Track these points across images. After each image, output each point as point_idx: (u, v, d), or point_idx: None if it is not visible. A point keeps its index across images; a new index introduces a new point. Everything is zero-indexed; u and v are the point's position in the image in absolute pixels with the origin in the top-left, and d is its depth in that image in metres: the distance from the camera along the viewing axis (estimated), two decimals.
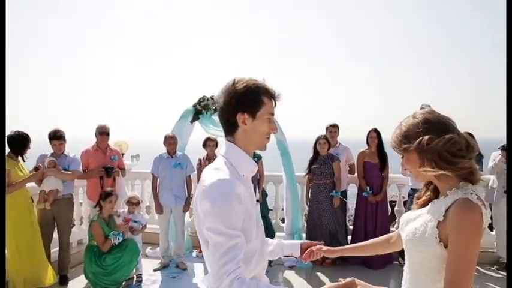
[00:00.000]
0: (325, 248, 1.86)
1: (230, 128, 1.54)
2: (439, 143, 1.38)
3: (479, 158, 5.14)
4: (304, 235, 5.62)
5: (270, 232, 5.66)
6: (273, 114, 1.54)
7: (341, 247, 1.97)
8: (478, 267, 5.03)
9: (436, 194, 1.56)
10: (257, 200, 1.56)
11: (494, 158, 5.14)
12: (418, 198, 1.65)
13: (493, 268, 5.07)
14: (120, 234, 4.47)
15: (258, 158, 5.66)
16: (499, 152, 5.03)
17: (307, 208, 5.77)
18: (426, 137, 1.39)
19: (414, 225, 1.49)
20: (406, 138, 1.45)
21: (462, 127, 1.49)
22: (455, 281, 1.30)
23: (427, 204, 1.56)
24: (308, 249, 1.86)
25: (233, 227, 1.37)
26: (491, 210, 5.30)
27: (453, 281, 1.30)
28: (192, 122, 5.77)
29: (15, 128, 4.36)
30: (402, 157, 1.52)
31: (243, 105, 1.48)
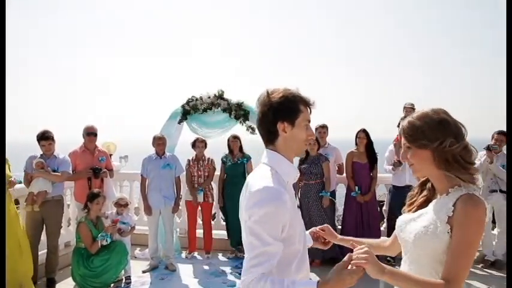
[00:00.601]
0: (328, 230, 1.91)
1: (270, 137, 1.59)
2: (457, 148, 1.44)
3: None
4: None
5: None
6: (309, 121, 1.61)
7: (342, 236, 1.98)
8: None
9: (432, 193, 1.60)
10: (298, 206, 1.65)
11: (479, 158, 5.22)
12: (412, 198, 1.68)
13: (479, 266, 5.13)
14: (108, 235, 4.43)
15: (247, 159, 5.66)
16: (485, 152, 5.11)
17: None
18: (449, 141, 1.44)
19: (420, 224, 1.51)
20: (423, 134, 1.48)
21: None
22: (457, 269, 1.37)
23: (425, 204, 1.59)
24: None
25: (271, 234, 1.42)
26: None
27: (454, 269, 1.37)
28: (179, 122, 5.75)
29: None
30: (408, 147, 1.54)
31: (282, 114, 1.54)
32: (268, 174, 1.52)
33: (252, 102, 5.54)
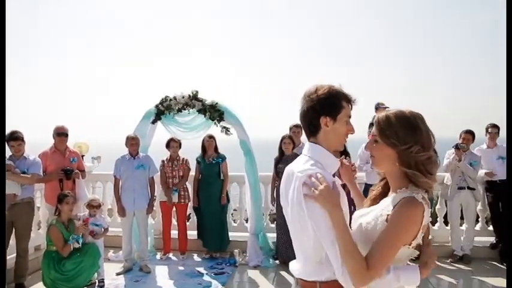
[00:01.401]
0: (346, 168, 2.05)
1: (313, 130, 1.68)
2: (422, 157, 1.50)
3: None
4: (268, 234, 5.67)
5: (223, 243, 5.64)
6: (350, 117, 1.68)
7: (355, 184, 2.10)
8: None
9: (386, 189, 1.68)
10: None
11: (448, 156, 5.39)
12: (370, 193, 1.77)
13: (447, 261, 5.31)
14: (80, 237, 4.34)
15: (222, 159, 5.65)
16: (453, 150, 5.28)
17: (271, 207, 5.82)
18: (416, 148, 1.49)
19: (366, 219, 1.59)
20: (396, 134, 1.52)
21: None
22: (377, 258, 1.43)
23: (378, 198, 1.68)
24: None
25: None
26: (446, 206, 5.56)
27: (375, 258, 1.43)
28: (153, 122, 5.68)
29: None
30: (376, 141, 1.59)
31: (326, 109, 1.62)
32: (311, 163, 1.61)
33: (225, 102, 5.52)
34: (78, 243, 4.32)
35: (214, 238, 5.60)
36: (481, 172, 5.39)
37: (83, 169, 5.24)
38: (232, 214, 6.05)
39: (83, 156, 5.69)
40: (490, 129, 5.48)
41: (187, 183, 5.79)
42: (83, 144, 6.13)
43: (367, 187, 5.44)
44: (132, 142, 5.19)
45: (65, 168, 4.85)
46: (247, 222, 6.03)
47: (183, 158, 5.74)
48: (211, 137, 5.66)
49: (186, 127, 5.71)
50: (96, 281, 4.62)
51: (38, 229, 5.47)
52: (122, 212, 5.15)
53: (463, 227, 5.50)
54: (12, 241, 4.53)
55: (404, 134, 1.51)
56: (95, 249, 4.44)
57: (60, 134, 4.97)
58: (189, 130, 5.71)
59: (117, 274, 5.00)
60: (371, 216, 1.58)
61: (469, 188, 5.26)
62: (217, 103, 5.40)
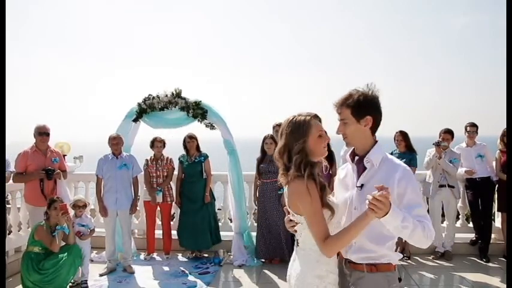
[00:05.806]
0: None
1: None
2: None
3: (413, 154, 5.42)
4: (253, 233, 5.67)
5: (213, 240, 5.65)
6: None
7: None
8: (416, 257, 5.37)
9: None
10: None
11: (429, 154, 5.47)
12: None
13: (430, 258, 5.40)
14: (64, 227, 4.23)
15: (204, 158, 5.63)
16: (433, 148, 5.36)
17: (255, 207, 5.83)
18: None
19: None
20: None
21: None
22: None
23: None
24: None
25: None
26: (428, 203, 5.66)
27: None
28: (134, 121, 5.62)
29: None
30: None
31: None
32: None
33: (208, 101, 5.51)
34: (65, 232, 4.24)
35: (199, 237, 5.56)
36: (461, 170, 5.49)
37: (65, 169, 5.16)
38: (216, 213, 6.04)
39: (64, 156, 5.61)
40: (468, 128, 5.58)
41: (171, 182, 5.76)
42: (65, 143, 6.04)
43: None
44: (114, 142, 5.13)
45: (46, 168, 4.77)
46: (231, 221, 6.03)
47: (168, 157, 5.71)
48: (191, 137, 5.62)
49: (168, 125, 5.67)
50: (80, 281, 4.56)
51: (19, 230, 5.37)
52: (104, 212, 5.09)
53: (444, 224, 5.60)
54: None
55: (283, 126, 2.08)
56: (75, 249, 4.36)
57: (42, 133, 4.86)
58: (171, 125, 5.66)
59: (100, 275, 4.95)
60: None
61: (449, 185, 5.36)
62: (200, 101, 5.38)
